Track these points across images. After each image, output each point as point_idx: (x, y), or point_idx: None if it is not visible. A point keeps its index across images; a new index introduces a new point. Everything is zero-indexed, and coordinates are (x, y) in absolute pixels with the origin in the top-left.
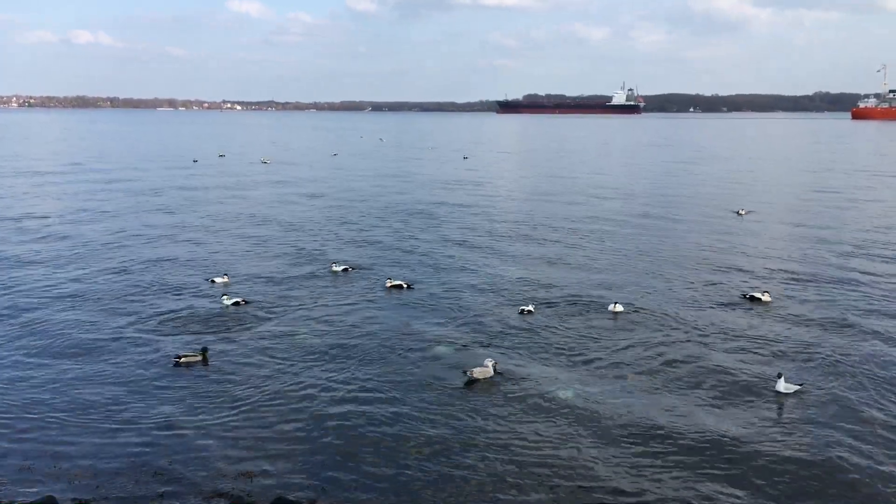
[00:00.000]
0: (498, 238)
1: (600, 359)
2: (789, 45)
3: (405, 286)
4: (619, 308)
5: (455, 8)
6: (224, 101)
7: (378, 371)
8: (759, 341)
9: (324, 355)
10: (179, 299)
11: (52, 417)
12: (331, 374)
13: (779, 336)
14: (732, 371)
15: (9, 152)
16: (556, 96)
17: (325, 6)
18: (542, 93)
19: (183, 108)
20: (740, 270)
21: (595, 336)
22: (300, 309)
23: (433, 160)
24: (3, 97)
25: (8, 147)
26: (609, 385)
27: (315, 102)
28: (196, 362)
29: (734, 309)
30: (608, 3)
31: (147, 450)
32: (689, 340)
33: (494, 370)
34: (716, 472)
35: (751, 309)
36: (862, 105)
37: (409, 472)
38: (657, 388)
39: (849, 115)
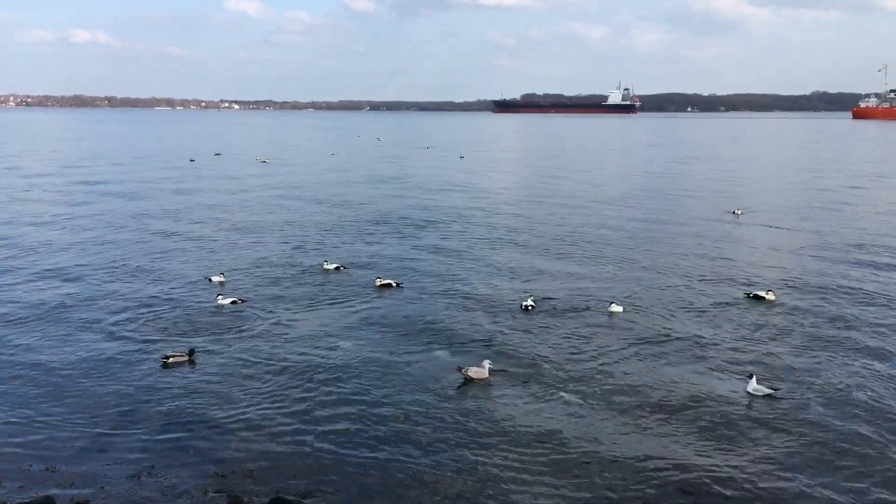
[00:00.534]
0: (493, 238)
1: (597, 358)
2: (788, 44)
3: (394, 284)
4: (618, 308)
5: (454, 7)
6: (222, 101)
7: (372, 370)
8: (767, 341)
9: (316, 354)
10: (173, 298)
11: (43, 417)
12: (323, 374)
13: (785, 334)
14: (733, 371)
15: (7, 152)
16: (555, 96)
17: (323, 5)
18: (540, 92)
19: (181, 108)
20: (738, 270)
21: (592, 336)
22: (292, 307)
23: (430, 160)
24: (0, 96)
25: (6, 147)
26: (606, 384)
27: (313, 102)
28: (183, 362)
29: (738, 308)
30: (607, 2)
31: (140, 449)
32: (690, 340)
33: (490, 371)
34: (712, 471)
35: (755, 308)
36: (863, 105)
37: (405, 472)
38: (657, 388)
39: (849, 114)
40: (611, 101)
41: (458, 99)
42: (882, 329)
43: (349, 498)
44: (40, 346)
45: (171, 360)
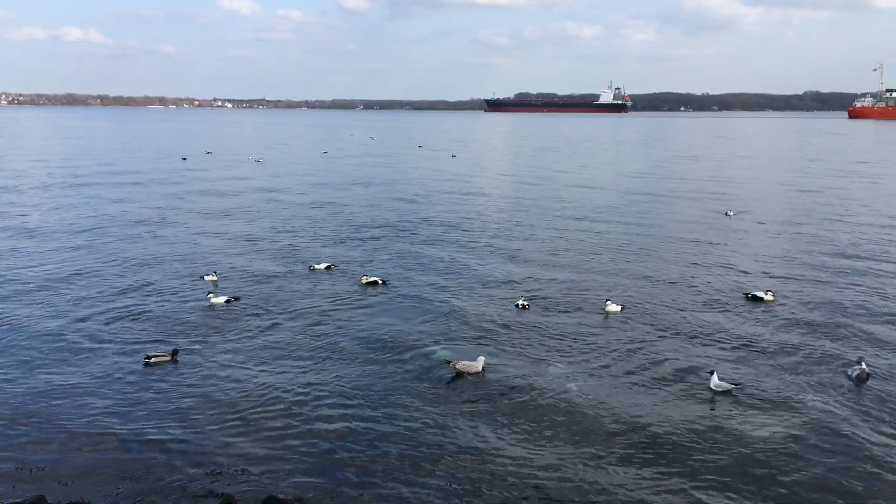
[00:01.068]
0: (485, 236)
1: (593, 357)
2: (779, 44)
3: (380, 282)
4: (614, 307)
5: (446, 6)
6: (215, 99)
7: (363, 368)
8: (769, 341)
9: (306, 353)
10: (163, 297)
11: (30, 416)
12: (313, 372)
13: (784, 334)
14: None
15: None
16: (548, 95)
17: (315, 4)
18: (533, 91)
19: (173, 106)
20: (733, 271)
21: (587, 335)
22: (282, 306)
23: (422, 159)
24: None
25: None
26: (601, 383)
27: (306, 100)
28: (166, 362)
29: (736, 308)
30: (599, 1)
31: (132, 448)
32: (689, 339)
33: (483, 366)
34: (707, 468)
35: (754, 308)
36: (858, 104)
37: (398, 470)
38: (655, 388)
39: (844, 114)
40: (602, 100)
41: (452, 98)
42: (880, 327)
43: (342, 497)
44: (27, 343)
45: (153, 359)
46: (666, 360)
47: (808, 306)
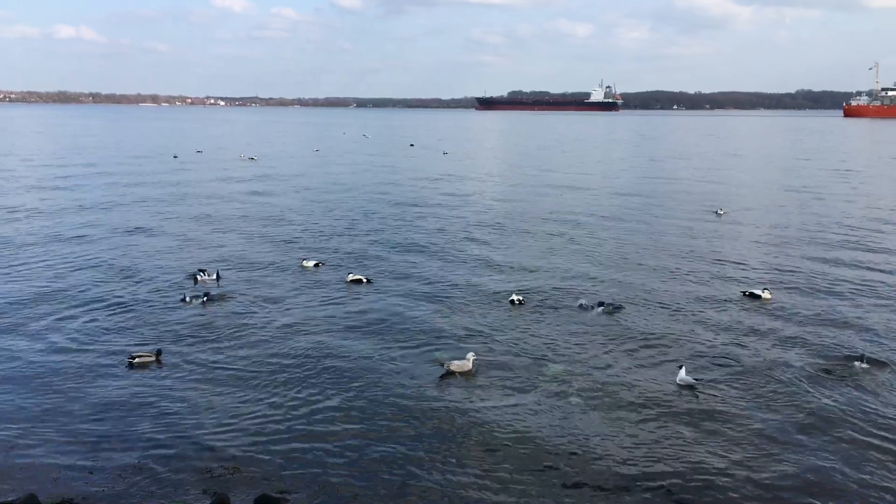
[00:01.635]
0: (475, 234)
1: (591, 355)
2: (772, 43)
3: (365, 280)
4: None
5: (440, 4)
6: (208, 97)
7: (353, 366)
8: (766, 339)
9: (293, 352)
10: (147, 296)
11: (18, 415)
12: (303, 371)
13: (783, 331)
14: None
15: None
16: (541, 93)
17: (309, 2)
18: (526, 90)
19: (166, 104)
20: (727, 269)
21: (582, 333)
22: (270, 305)
23: (414, 157)
24: None
25: None
26: (599, 379)
27: (299, 98)
28: (150, 362)
29: (735, 306)
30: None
31: (123, 448)
32: (691, 339)
33: (474, 364)
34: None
35: (752, 306)
36: (854, 103)
37: (390, 468)
38: (657, 388)
39: (839, 112)
40: (593, 98)
41: (445, 96)
42: (876, 327)
43: (335, 495)
44: (11, 342)
45: (137, 360)
46: (670, 358)
47: (805, 303)
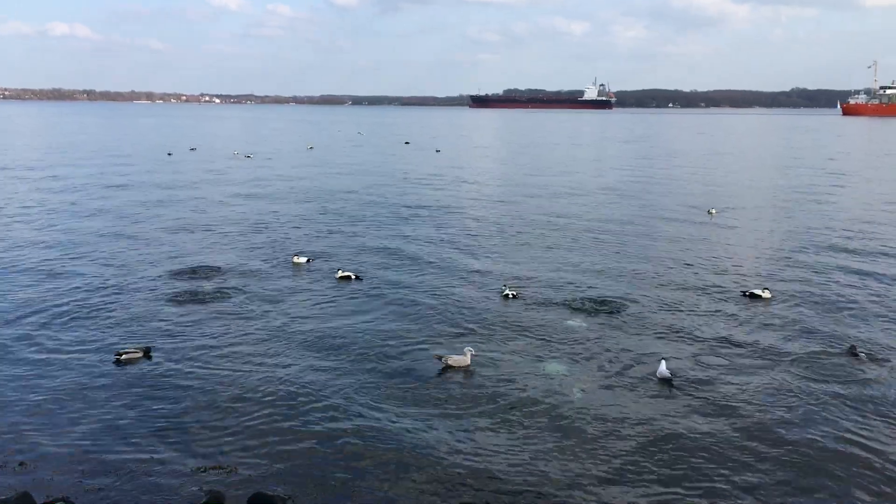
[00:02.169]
0: (466, 232)
1: (589, 355)
2: (767, 41)
3: (354, 277)
4: (577, 323)
5: (435, 2)
6: (202, 95)
7: (346, 364)
8: (767, 336)
9: (285, 349)
10: (135, 292)
11: (9, 414)
12: (295, 369)
13: (781, 329)
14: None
15: None
16: (537, 91)
17: (305, 0)
18: (522, 87)
19: (161, 101)
20: (722, 268)
21: (578, 330)
22: (258, 301)
23: (408, 154)
24: None
25: None
26: (598, 383)
27: (294, 96)
28: (138, 359)
29: (736, 306)
30: None
31: (116, 446)
32: (691, 337)
33: (471, 359)
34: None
35: (753, 306)
36: (852, 101)
37: (385, 466)
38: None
39: (836, 110)
40: (587, 96)
41: (441, 94)
42: (874, 324)
43: (330, 493)
44: None
45: (124, 356)
46: (671, 358)
47: (805, 302)
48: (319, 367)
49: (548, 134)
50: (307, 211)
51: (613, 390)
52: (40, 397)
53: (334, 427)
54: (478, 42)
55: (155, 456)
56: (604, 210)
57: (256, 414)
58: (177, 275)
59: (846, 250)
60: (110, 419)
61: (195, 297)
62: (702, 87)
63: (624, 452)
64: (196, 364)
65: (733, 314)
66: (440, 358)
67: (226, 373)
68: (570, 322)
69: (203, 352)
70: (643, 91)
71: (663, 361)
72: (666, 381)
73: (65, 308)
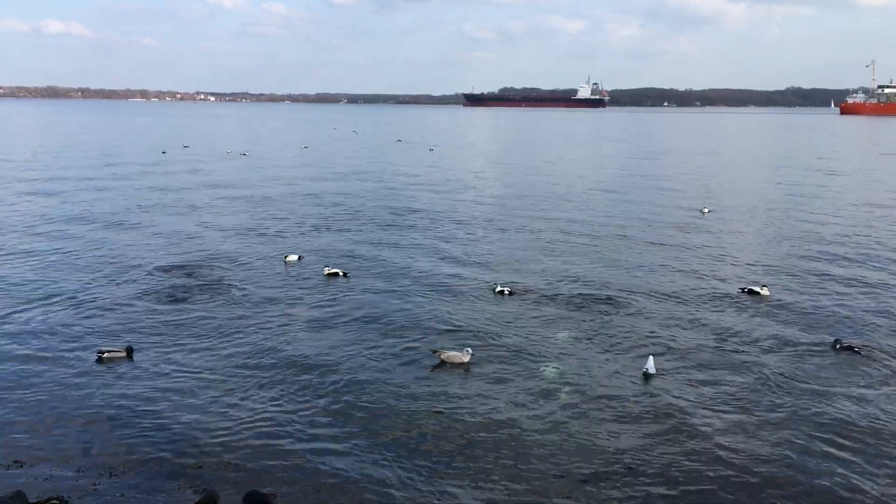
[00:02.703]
0: (458, 230)
1: (579, 353)
2: (762, 40)
3: (341, 274)
4: (565, 336)
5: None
6: (197, 93)
7: (340, 362)
8: (778, 335)
9: (279, 346)
10: (118, 291)
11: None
12: (288, 366)
13: (780, 329)
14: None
15: None
16: (532, 90)
17: None
18: (518, 86)
19: (156, 99)
20: (718, 267)
21: (575, 327)
22: (243, 299)
23: (401, 152)
24: None
25: None
26: (593, 373)
27: (290, 94)
28: (120, 358)
29: (733, 303)
30: None
31: (111, 445)
32: (693, 337)
33: (469, 357)
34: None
35: (752, 303)
36: (850, 100)
37: (380, 464)
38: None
39: (830, 109)
40: (580, 95)
41: (436, 92)
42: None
43: (325, 491)
44: None
45: (106, 355)
46: (669, 356)
47: (803, 300)
48: (311, 366)
49: (539, 132)
50: (300, 209)
51: (610, 390)
52: (27, 396)
53: (327, 425)
54: (474, 40)
55: (149, 455)
56: (599, 210)
57: (248, 412)
58: (165, 273)
59: (844, 249)
60: (103, 418)
61: (184, 296)
62: (697, 85)
63: (621, 451)
64: (184, 362)
65: (732, 311)
66: (436, 352)
67: (214, 371)
68: (559, 335)
69: (191, 350)
70: (638, 90)
71: (651, 357)
72: (650, 377)
73: (50, 307)
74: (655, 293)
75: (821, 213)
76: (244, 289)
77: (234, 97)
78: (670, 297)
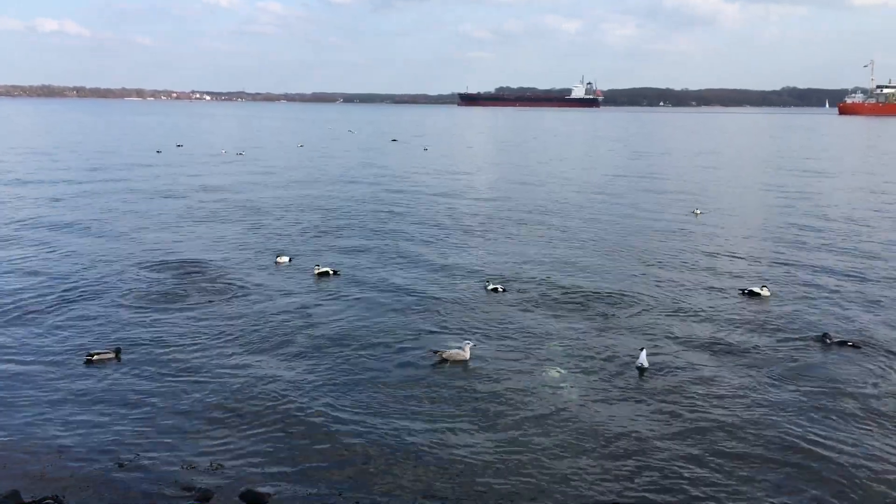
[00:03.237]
0: (452, 228)
1: (576, 353)
2: (758, 40)
3: (332, 273)
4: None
5: None
6: (193, 92)
7: (336, 360)
8: (779, 334)
9: (266, 346)
10: (108, 293)
11: None
12: (282, 364)
13: (781, 327)
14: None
15: None
16: (528, 89)
17: None
18: (514, 86)
19: (151, 98)
20: (716, 267)
21: (574, 327)
22: (235, 299)
23: (395, 152)
24: None
25: None
26: (596, 383)
27: (286, 94)
28: (109, 360)
29: (733, 304)
30: None
31: (106, 445)
32: (694, 336)
33: (470, 353)
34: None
35: (753, 304)
36: (849, 100)
37: (377, 463)
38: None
39: (827, 109)
40: (574, 94)
41: (433, 92)
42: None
43: (321, 490)
44: None
45: (95, 357)
46: (673, 356)
47: (802, 299)
48: (307, 365)
49: (534, 132)
50: (294, 209)
51: (607, 388)
52: (19, 397)
53: (323, 424)
54: (472, 40)
55: (141, 455)
56: (593, 210)
57: (241, 412)
58: (155, 274)
59: (840, 248)
60: (91, 418)
61: (174, 297)
62: (693, 85)
63: (617, 451)
64: (173, 363)
65: (735, 312)
66: (436, 352)
67: (206, 371)
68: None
69: (180, 351)
70: (635, 89)
71: (644, 351)
72: (643, 370)
73: (40, 307)
74: (653, 292)
75: (816, 214)
76: (234, 290)
77: (231, 96)
78: (666, 296)
